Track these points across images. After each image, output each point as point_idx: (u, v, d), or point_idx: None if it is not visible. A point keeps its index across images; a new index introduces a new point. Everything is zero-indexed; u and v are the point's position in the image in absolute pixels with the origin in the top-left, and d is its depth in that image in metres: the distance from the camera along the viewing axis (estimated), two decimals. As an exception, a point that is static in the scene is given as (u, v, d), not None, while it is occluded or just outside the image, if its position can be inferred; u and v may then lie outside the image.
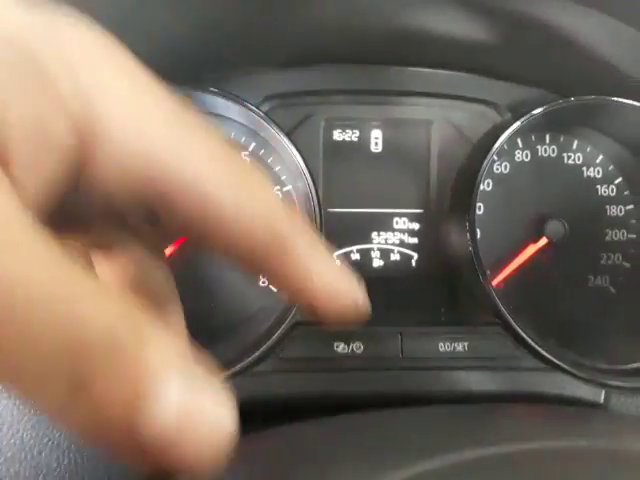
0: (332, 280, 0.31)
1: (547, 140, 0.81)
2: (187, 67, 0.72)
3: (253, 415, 0.50)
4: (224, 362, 0.62)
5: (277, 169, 0.77)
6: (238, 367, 0.62)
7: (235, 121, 0.76)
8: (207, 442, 0.20)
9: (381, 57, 0.77)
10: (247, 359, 0.61)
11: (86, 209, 0.26)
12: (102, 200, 0.25)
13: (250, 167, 0.28)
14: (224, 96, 0.69)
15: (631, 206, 0.81)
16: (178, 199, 0.25)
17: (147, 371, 0.19)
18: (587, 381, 0.66)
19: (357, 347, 0.65)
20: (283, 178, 0.77)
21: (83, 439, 0.20)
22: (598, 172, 0.81)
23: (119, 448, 0.20)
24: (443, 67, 0.78)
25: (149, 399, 0.19)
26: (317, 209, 0.69)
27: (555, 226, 0.77)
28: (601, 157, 0.81)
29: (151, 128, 0.25)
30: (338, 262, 0.32)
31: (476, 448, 0.32)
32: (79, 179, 0.24)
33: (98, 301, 0.19)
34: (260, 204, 0.28)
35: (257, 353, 0.62)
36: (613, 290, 0.80)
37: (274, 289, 0.76)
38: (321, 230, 0.69)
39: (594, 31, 0.64)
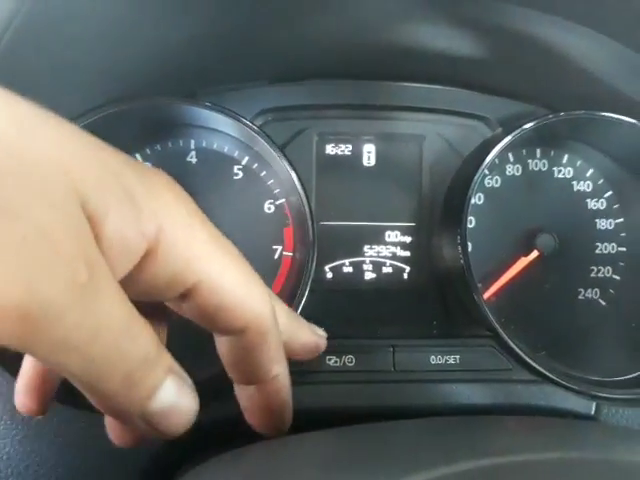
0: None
1: (538, 154, 0.82)
2: (182, 81, 0.73)
3: (246, 428, 0.50)
4: (217, 375, 0.62)
5: (270, 183, 0.77)
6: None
7: (229, 135, 0.76)
8: (179, 422, 0.38)
9: (374, 72, 0.78)
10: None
11: (139, 288, 0.37)
12: (150, 285, 0.37)
13: (255, 275, 0.42)
14: (218, 110, 0.70)
15: (621, 219, 0.82)
16: (201, 292, 0.38)
17: (159, 381, 0.36)
18: (578, 393, 0.66)
19: (349, 360, 0.65)
20: (276, 192, 0.77)
21: (116, 416, 0.39)
22: (588, 186, 0.82)
23: (133, 419, 0.36)
24: (435, 82, 0.79)
25: (156, 394, 0.36)
26: (310, 222, 0.69)
27: (546, 239, 0.77)
28: (591, 171, 0.82)
29: (194, 244, 0.37)
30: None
31: (468, 460, 0.32)
32: (140, 269, 0.35)
33: (148, 343, 0.35)
34: (256, 301, 0.41)
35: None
36: (603, 303, 0.81)
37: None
38: (313, 243, 0.69)
39: (585, 47, 0.65)
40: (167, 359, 0.37)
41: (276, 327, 0.44)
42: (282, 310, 0.50)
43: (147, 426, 0.37)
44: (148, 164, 0.76)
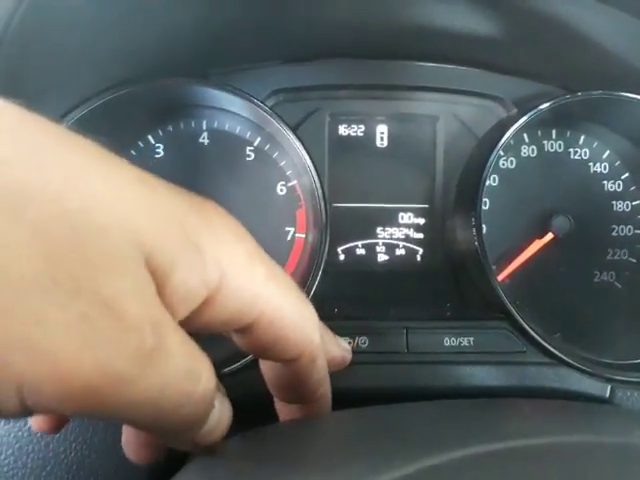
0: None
1: (554, 135, 0.81)
2: (193, 61, 0.72)
3: (258, 409, 0.50)
4: (230, 357, 0.62)
5: (282, 164, 0.77)
6: (243, 362, 0.62)
7: (240, 116, 0.76)
8: (221, 432, 0.38)
9: (387, 52, 0.76)
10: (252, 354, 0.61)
11: (195, 326, 0.36)
12: (207, 324, 0.36)
13: (307, 302, 0.42)
14: (230, 91, 0.69)
15: (638, 202, 0.80)
16: (261, 325, 0.38)
17: (212, 407, 0.35)
18: (592, 376, 0.65)
19: (362, 342, 0.65)
20: (288, 173, 0.77)
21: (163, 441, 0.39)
22: (605, 167, 0.81)
23: (182, 442, 0.37)
24: (449, 62, 0.78)
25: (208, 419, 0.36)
26: (322, 204, 0.69)
27: (561, 221, 0.76)
28: (608, 152, 0.81)
29: (254, 284, 0.36)
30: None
31: (485, 443, 0.32)
32: (198, 312, 0.34)
33: (208, 379, 0.33)
34: (309, 329, 0.41)
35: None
36: (619, 285, 0.80)
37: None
38: (326, 225, 0.69)
39: (601, 24, 0.64)
40: (215, 380, 0.37)
41: (323, 351, 0.44)
42: None
43: (192, 444, 0.37)
44: (160, 145, 0.76)
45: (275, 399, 0.48)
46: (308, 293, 0.67)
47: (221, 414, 0.38)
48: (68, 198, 0.27)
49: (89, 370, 0.26)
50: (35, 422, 0.42)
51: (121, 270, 0.28)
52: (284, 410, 0.48)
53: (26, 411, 0.27)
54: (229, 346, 0.62)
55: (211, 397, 0.35)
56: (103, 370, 0.27)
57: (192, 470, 0.38)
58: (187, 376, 0.32)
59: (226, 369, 0.62)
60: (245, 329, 0.38)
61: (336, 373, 0.59)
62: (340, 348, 0.53)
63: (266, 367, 0.45)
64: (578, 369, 0.65)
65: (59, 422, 0.42)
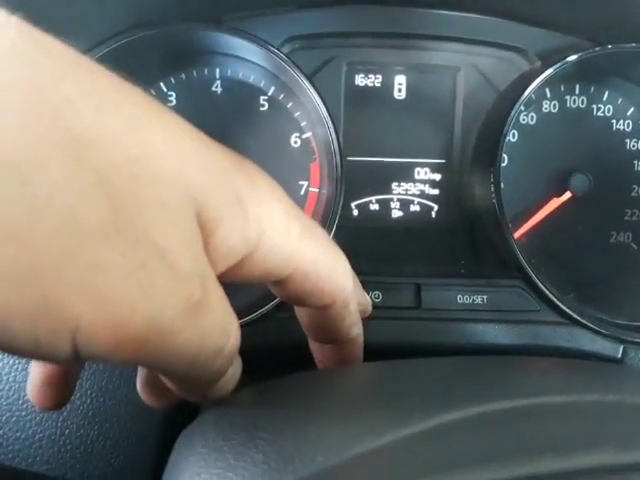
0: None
1: (577, 90, 0.78)
2: (206, 6, 0.69)
3: (273, 360, 0.50)
4: (247, 308, 0.62)
5: (297, 115, 0.75)
6: (259, 313, 0.62)
7: (254, 63, 0.73)
8: (232, 387, 0.39)
9: (407, -1, 0.73)
10: (268, 305, 0.61)
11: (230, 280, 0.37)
12: (243, 278, 0.37)
13: (339, 252, 0.43)
14: (244, 37, 0.66)
15: (661, 161, 0.78)
16: (297, 279, 0.39)
17: (229, 363, 0.35)
18: (605, 336, 0.65)
19: (376, 296, 0.65)
20: (303, 125, 0.75)
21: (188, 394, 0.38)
22: (628, 125, 0.78)
23: (201, 393, 0.38)
24: (472, 11, 0.75)
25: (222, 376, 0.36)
26: (338, 157, 0.67)
27: (580, 180, 0.75)
28: (632, 109, 0.78)
29: (290, 241, 0.37)
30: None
31: (506, 400, 0.32)
32: (235, 268, 0.35)
33: (236, 336, 0.34)
34: (342, 279, 0.42)
35: (278, 300, 0.62)
36: (635, 247, 0.79)
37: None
38: (341, 179, 0.68)
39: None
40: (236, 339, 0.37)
41: (356, 295, 0.45)
42: None
43: (203, 396, 0.38)
44: (172, 93, 0.74)
45: (310, 340, 0.49)
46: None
47: (235, 370, 0.39)
48: (128, 144, 0.27)
49: (142, 319, 0.27)
50: (37, 399, 0.41)
51: (176, 222, 0.28)
52: (319, 350, 0.50)
53: (76, 357, 0.27)
54: (240, 299, 0.63)
55: (235, 354, 0.35)
56: (154, 319, 0.27)
57: (209, 418, 0.38)
58: (221, 331, 0.32)
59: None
60: (281, 282, 0.39)
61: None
62: (365, 297, 0.54)
63: (301, 311, 0.46)
64: (591, 329, 0.65)
65: (61, 399, 0.42)
